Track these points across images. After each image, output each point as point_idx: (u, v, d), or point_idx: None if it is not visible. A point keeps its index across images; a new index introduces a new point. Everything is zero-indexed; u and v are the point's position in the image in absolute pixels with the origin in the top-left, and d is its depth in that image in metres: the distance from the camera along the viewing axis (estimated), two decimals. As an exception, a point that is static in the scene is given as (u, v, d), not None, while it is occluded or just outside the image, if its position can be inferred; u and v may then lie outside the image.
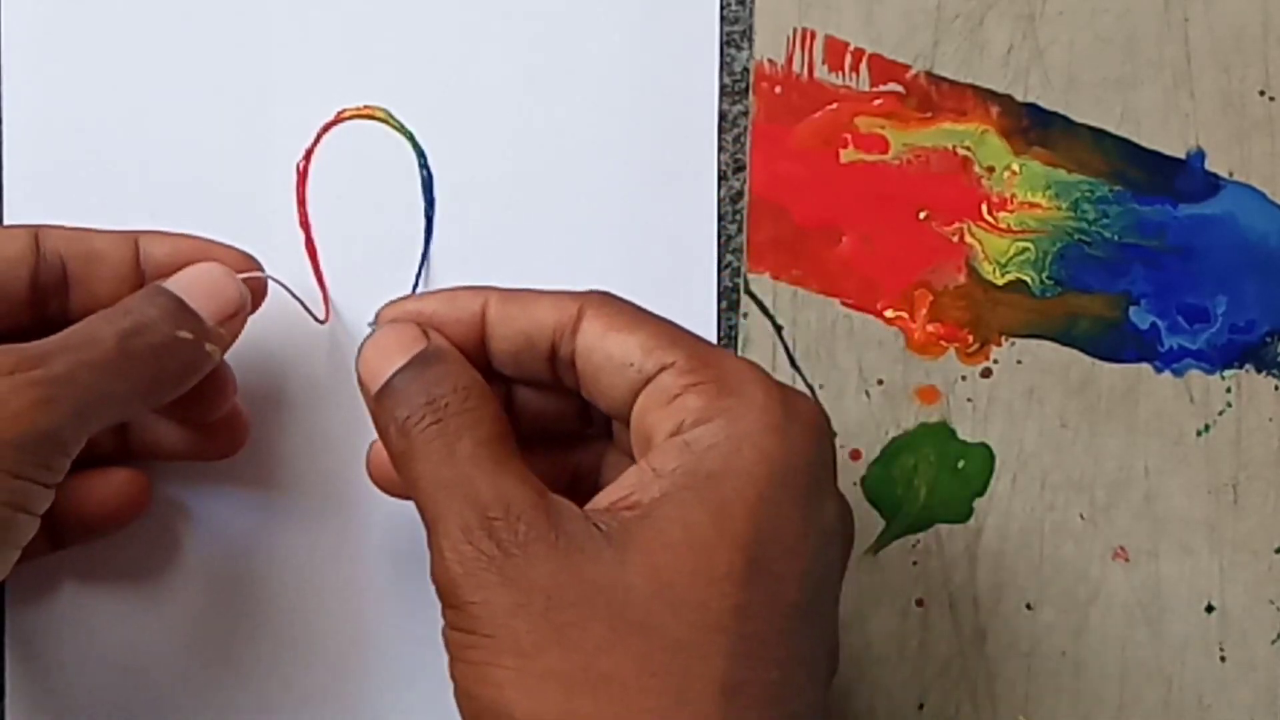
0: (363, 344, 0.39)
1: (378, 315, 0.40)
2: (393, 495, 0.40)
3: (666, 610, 0.34)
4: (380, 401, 0.38)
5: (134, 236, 0.41)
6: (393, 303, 0.40)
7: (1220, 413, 0.45)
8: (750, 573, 0.34)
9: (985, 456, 0.45)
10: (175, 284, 0.40)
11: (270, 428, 0.45)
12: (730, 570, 0.34)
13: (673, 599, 0.34)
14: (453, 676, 0.35)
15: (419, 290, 0.45)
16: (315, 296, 0.45)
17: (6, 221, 0.45)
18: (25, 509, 0.37)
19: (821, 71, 0.45)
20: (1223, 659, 0.45)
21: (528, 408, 0.41)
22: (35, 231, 0.40)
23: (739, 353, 0.45)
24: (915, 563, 0.45)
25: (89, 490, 0.42)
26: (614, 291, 0.39)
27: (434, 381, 0.38)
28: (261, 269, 0.42)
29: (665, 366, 0.37)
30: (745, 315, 0.45)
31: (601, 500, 0.36)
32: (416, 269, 0.45)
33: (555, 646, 0.34)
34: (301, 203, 0.45)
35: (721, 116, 0.45)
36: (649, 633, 0.34)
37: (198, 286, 0.40)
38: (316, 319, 0.44)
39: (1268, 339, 0.45)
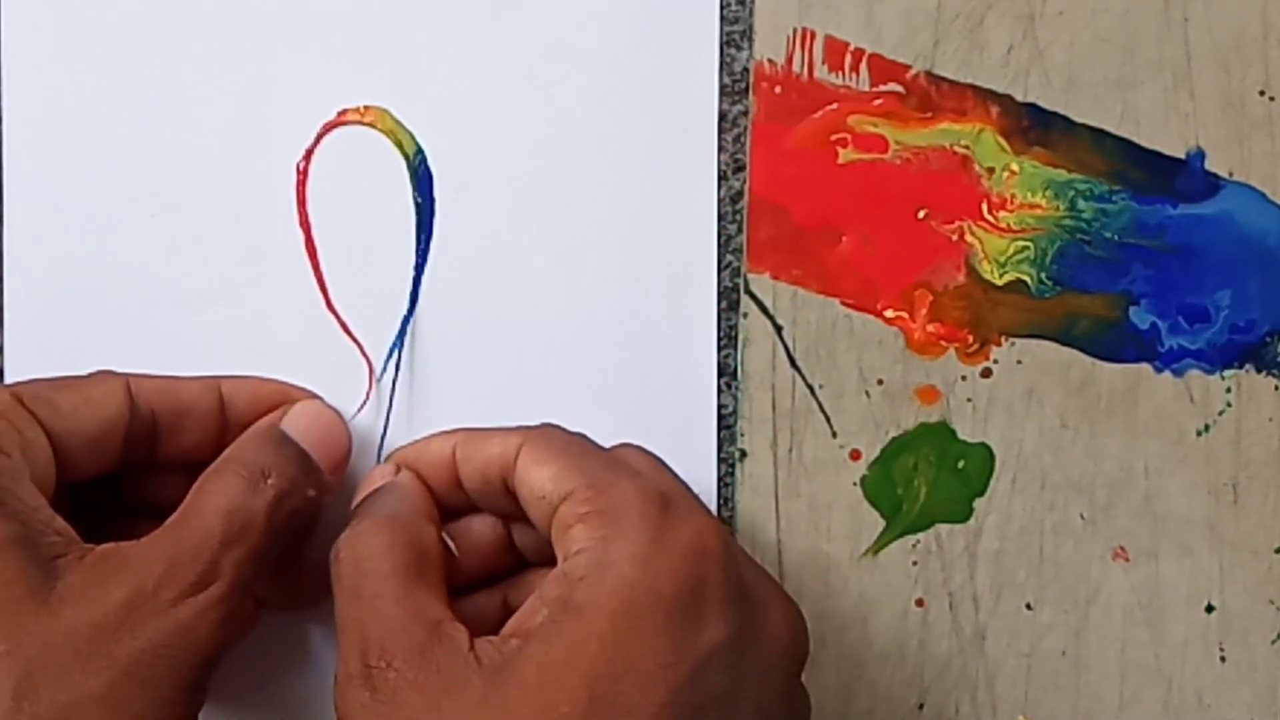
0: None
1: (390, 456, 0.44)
2: None
3: None
4: None
5: (217, 385, 0.43)
6: (400, 448, 0.43)
7: (1220, 413, 0.45)
8: (593, 708, 0.35)
9: (985, 456, 0.45)
10: (294, 428, 0.42)
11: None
12: (572, 709, 0.35)
13: None
14: None
15: (420, 292, 0.45)
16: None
17: (7, 222, 0.45)
18: (199, 712, 0.38)
19: (821, 71, 0.45)
20: (1223, 659, 0.45)
21: (525, 538, 0.42)
22: (126, 383, 0.41)
23: (739, 353, 0.45)
24: (915, 563, 0.45)
25: (282, 577, 0.43)
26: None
27: (363, 514, 0.40)
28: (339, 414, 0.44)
29: (566, 497, 0.38)
30: (745, 315, 0.45)
31: (507, 626, 0.37)
32: (417, 270, 0.45)
33: None
34: (301, 203, 0.45)
35: (721, 116, 0.45)
36: None
37: (315, 433, 0.42)
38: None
39: (1268, 339, 0.45)
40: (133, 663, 0.36)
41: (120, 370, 0.42)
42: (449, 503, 0.42)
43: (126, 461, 0.41)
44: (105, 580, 0.37)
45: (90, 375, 0.42)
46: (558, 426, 0.41)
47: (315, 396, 0.44)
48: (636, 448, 0.43)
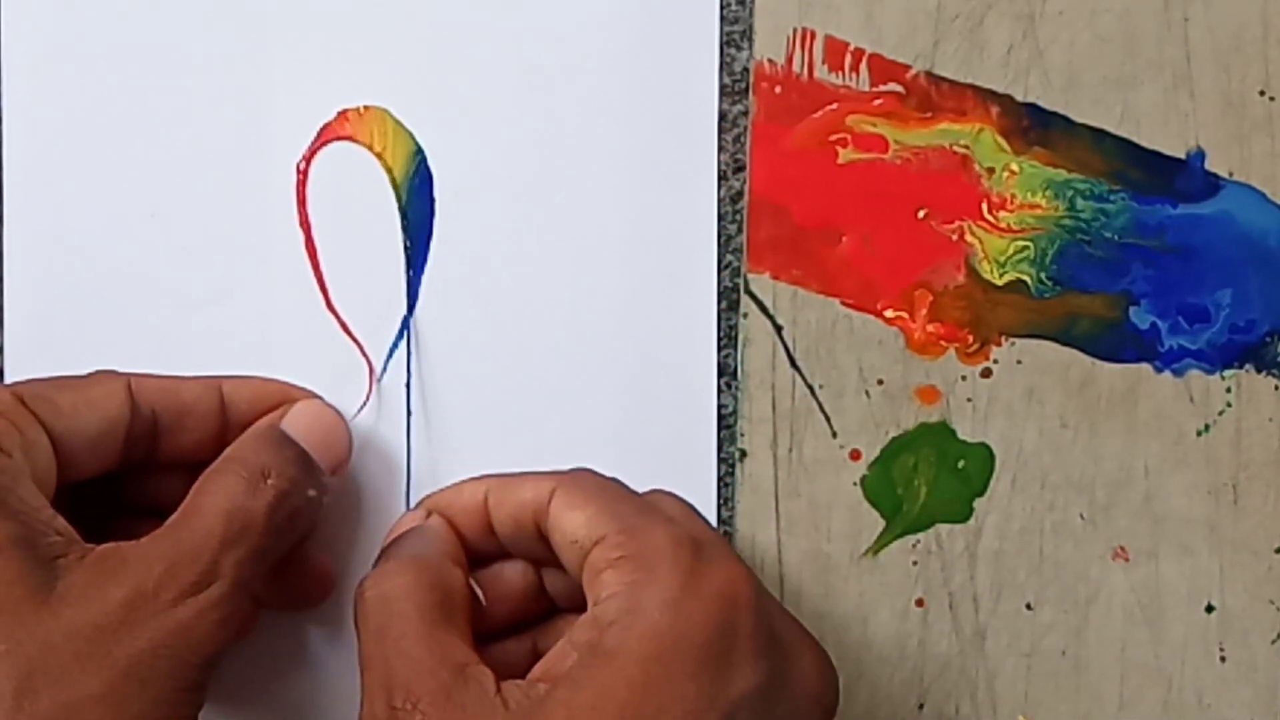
0: None
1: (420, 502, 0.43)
2: None
3: None
4: None
5: (218, 385, 0.43)
6: (431, 494, 0.43)
7: (1220, 413, 0.45)
8: None
9: (985, 456, 0.45)
10: (294, 428, 0.42)
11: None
12: None
13: None
14: None
15: (419, 292, 0.45)
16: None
17: (7, 222, 0.45)
18: (199, 712, 0.38)
19: (821, 71, 0.45)
20: (1223, 659, 0.45)
21: (556, 585, 0.42)
22: (128, 383, 0.41)
23: (739, 353, 0.45)
24: (915, 563, 0.45)
25: (282, 578, 0.43)
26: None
27: (389, 556, 0.40)
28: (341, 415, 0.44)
29: (598, 541, 0.38)
30: (745, 315, 0.45)
31: (535, 670, 0.37)
32: (417, 270, 0.45)
33: None
34: (302, 203, 0.45)
35: (721, 116, 0.45)
36: None
37: (316, 433, 0.42)
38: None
39: (1268, 339, 0.45)
40: (133, 663, 0.36)
41: (121, 370, 0.42)
42: (481, 549, 0.42)
43: (127, 461, 0.41)
44: (105, 580, 0.37)
45: (91, 375, 0.42)
46: (591, 471, 0.41)
47: (316, 396, 0.44)
48: (669, 494, 0.43)
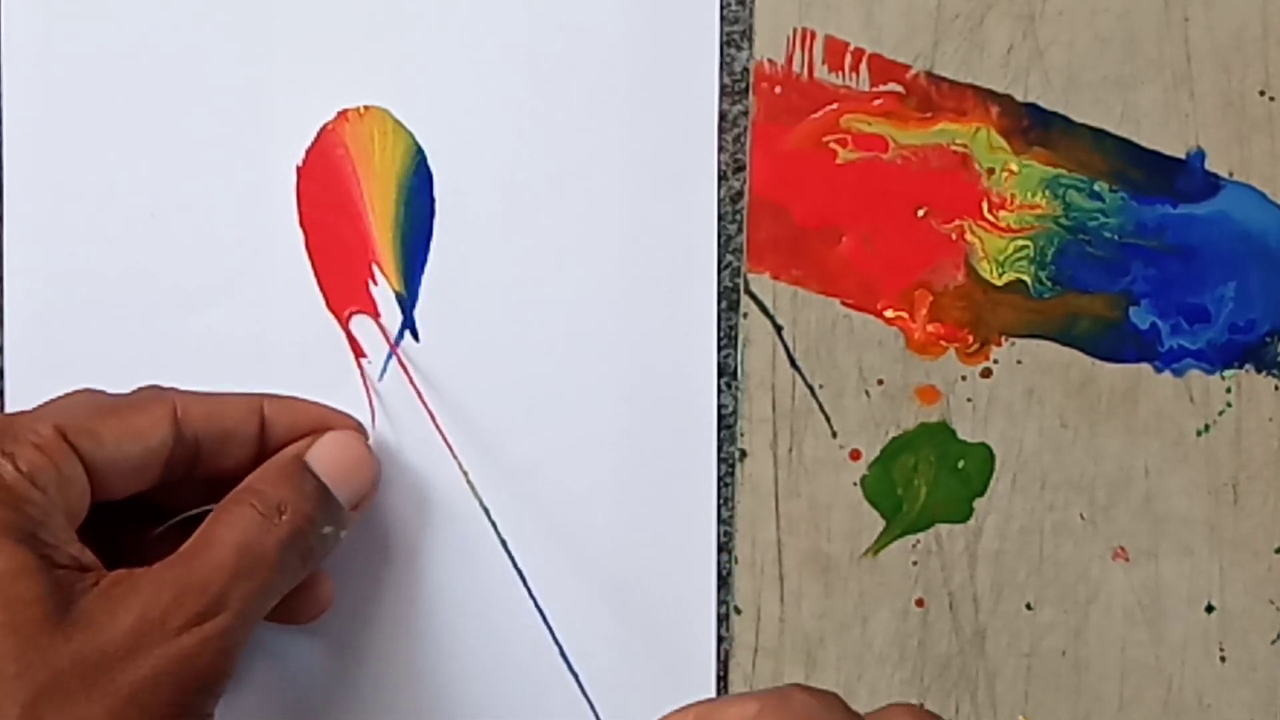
0: None
1: None
2: None
3: None
4: None
5: (259, 406, 0.42)
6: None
7: (1220, 413, 0.45)
8: None
9: (985, 456, 0.45)
10: (318, 461, 0.41)
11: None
12: None
13: None
14: None
15: (419, 292, 0.45)
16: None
17: (7, 222, 0.45)
18: None
19: (821, 71, 0.45)
20: (1223, 659, 0.45)
21: None
22: (173, 409, 0.41)
23: (739, 353, 0.45)
24: (915, 563, 0.45)
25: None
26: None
27: None
28: (366, 435, 0.44)
29: None
30: (745, 315, 0.45)
31: None
32: (416, 270, 0.45)
33: None
34: (302, 203, 0.45)
35: (721, 116, 0.45)
36: None
37: (339, 467, 0.42)
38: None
39: (1268, 339, 0.45)
40: (135, 690, 0.36)
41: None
42: None
43: (164, 482, 0.41)
44: (116, 606, 0.37)
45: (137, 396, 0.41)
46: (804, 689, 0.37)
47: (354, 423, 0.44)
48: (906, 708, 0.38)
